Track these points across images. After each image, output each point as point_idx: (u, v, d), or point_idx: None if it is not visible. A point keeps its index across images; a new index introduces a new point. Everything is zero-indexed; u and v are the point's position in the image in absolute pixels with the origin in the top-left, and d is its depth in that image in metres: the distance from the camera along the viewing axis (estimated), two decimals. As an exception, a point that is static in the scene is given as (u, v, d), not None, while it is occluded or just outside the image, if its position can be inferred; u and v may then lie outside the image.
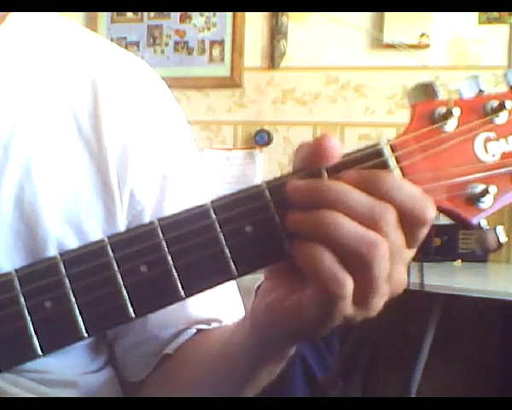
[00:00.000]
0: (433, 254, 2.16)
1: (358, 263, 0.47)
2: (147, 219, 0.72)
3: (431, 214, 0.47)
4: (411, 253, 0.49)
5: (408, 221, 0.47)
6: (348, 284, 0.47)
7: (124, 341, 0.74)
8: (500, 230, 0.47)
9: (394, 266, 0.48)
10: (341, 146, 0.47)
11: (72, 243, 0.68)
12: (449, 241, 2.25)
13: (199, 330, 0.73)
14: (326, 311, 0.48)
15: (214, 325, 0.73)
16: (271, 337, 0.54)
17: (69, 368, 0.70)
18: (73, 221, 0.68)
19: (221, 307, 0.73)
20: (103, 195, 0.69)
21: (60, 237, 0.67)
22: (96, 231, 0.69)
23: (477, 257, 2.29)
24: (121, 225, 0.70)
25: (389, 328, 2.40)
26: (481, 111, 0.48)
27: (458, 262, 2.29)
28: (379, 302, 0.49)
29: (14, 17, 0.70)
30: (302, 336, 0.55)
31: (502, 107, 0.48)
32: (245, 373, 0.62)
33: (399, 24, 2.52)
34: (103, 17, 2.83)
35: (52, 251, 0.67)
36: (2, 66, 0.69)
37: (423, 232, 0.48)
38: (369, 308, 0.49)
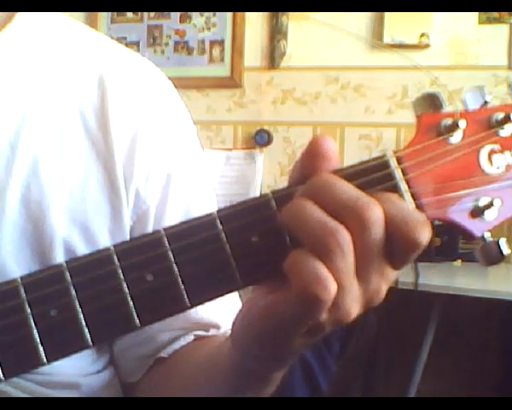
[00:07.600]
0: (433, 254, 2.16)
1: (324, 254, 0.44)
2: (151, 219, 0.72)
3: (424, 237, 0.44)
4: (395, 273, 0.47)
5: (399, 240, 0.45)
6: (331, 286, 0.43)
7: (121, 342, 0.73)
8: (503, 242, 0.47)
9: (369, 270, 0.45)
10: (337, 146, 0.46)
11: (79, 243, 0.68)
12: (449, 241, 2.24)
13: (196, 337, 0.72)
14: (302, 310, 0.44)
15: (212, 331, 0.73)
16: (247, 348, 0.51)
17: (72, 370, 0.70)
18: (80, 220, 0.68)
19: (220, 312, 0.73)
20: (110, 193, 0.69)
21: (66, 236, 0.67)
22: (102, 231, 0.69)
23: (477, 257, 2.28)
24: (127, 225, 0.71)
25: (389, 328, 2.40)
26: (486, 123, 0.48)
27: (458, 262, 2.29)
28: (351, 305, 0.45)
29: (22, 17, 0.70)
30: (276, 344, 0.49)
31: (507, 119, 0.48)
32: (228, 387, 0.59)
33: (399, 24, 2.52)
34: (103, 17, 2.83)
35: (58, 250, 0.67)
36: (10, 64, 0.69)
37: (413, 255, 0.45)
38: (340, 310, 0.45)
